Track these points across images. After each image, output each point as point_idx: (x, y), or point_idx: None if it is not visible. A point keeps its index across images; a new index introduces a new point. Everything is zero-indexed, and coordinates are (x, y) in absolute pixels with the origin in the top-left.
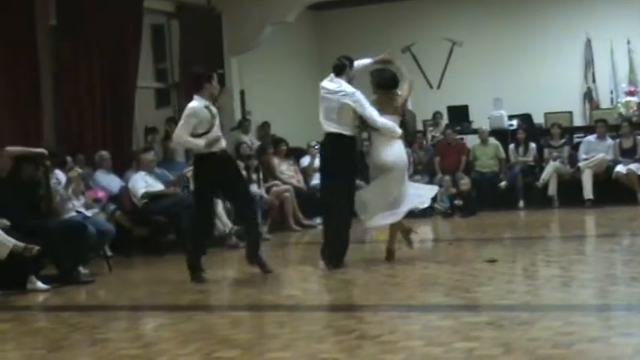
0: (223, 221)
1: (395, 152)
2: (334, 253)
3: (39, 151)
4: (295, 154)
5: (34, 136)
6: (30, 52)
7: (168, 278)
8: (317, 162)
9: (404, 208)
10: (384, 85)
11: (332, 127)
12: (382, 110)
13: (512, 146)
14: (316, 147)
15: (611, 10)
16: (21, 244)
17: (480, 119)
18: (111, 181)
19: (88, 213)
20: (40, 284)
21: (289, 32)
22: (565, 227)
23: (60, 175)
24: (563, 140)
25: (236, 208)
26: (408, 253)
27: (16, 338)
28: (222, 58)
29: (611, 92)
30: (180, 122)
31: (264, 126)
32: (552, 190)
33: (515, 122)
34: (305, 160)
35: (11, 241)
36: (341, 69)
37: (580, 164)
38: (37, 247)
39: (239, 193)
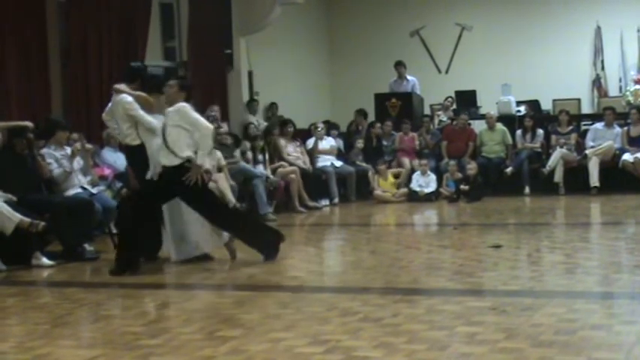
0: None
1: None
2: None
3: (23, 123)
4: (302, 135)
5: (42, 113)
6: (39, 29)
7: None
8: (322, 144)
9: None
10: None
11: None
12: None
13: (519, 132)
14: (320, 129)
15: None
16: (27, 220)
17: (487, 104)
18: (117, 159)
19: (94, 190)
20: (45, 260)
21: (299, 13)
22: (570, 214)
23: (69, 149)
24: (571, 127)
25: None
26: (413, 237)
27: (20, 313)
28: (230, 38)
29: (620, 80)
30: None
31: (272, 107)
32: (558, 177)
33: (522, 108)
34: (311, 142)
35: (17, 217)
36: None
37: (587, 152)
38: (42, 223)
39: None
